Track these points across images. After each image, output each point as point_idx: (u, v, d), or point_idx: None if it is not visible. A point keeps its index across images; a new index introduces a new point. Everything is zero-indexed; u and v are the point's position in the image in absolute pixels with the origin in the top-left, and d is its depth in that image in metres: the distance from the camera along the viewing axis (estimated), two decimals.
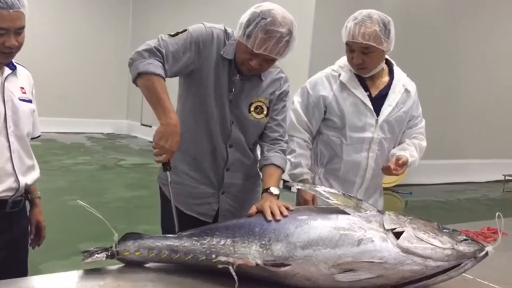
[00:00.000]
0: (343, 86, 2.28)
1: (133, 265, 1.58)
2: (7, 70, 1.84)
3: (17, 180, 1.83)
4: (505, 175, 8.64)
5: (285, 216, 1.56)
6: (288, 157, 2.17)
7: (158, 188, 2.12)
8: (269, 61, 1.86)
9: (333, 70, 2.33)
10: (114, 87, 12.92)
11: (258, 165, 2.05)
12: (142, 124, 12.74)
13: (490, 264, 1.61)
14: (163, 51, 1.79)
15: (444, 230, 1.51)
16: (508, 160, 9.17)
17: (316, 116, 2.31)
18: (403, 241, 1.43)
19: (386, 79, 2.32)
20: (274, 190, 1.81)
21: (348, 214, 1.53)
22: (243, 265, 1.45)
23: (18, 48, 1.75)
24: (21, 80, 1.90)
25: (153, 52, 1.78)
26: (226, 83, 1.92)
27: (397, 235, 1.45)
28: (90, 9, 12.54)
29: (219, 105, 1.93)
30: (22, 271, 1.87)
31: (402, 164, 2.21)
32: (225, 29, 1.94)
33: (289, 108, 2.22)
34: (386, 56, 2.29)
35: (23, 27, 1.73)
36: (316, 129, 2.35)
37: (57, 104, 12.02)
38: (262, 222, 1.56)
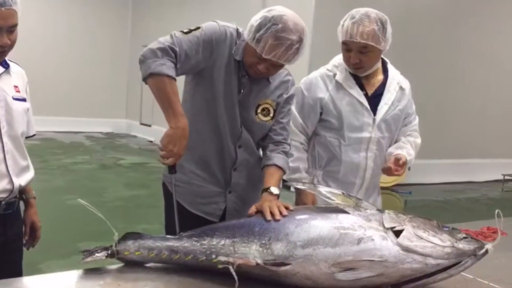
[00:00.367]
0: (339, 86, 2.25)
1: (133, 264, 1.57)
2: (0, 69, 1.79)
3: (11, 182, 1.78)
4: (504, 175, 8.66)
5: (284, 216, 1.56)
6: None
7: (162, 186, 2.10)
8: (277, 67, 1.85)
9: (327, 69, 2.30)
10: (114, 86, 12.92)
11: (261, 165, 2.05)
12: (141, 124, 12.74)
13: (490, 264, 1.61)
14: (177, 49, 1.75)
15: (444, 228, 1.51)
16: (507, 160, 9.19)
17: (311, 118, 2.28)
18: (403, 239, 1.43)
19: (380, 77, 2.30)
20: (274, 190, 1.80)
21: (348, 213, 1.53)
22: (243, 264, 1.45)
23: (11, 46, 1.71)
24: (14, 79, 1.85)
25: (166, 52, 1.73)
26: (236, 83, 1.90)
27: (397, 233, 1.45)
28: (90, 7, 12.53)
29: (228, 106, 1.90)
30: (16, 274, 1.79)
31: (403, 164, 2.20)
32: (237, 29, 1.91)
33: None
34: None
35: (15, 25, 1.68)
36: (312, 131, 2.32)
37: (56, 103, 12.02)
38: (262, 221, 1.56)
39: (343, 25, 2.12)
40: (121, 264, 1.58)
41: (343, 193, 1.63)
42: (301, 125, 2.28)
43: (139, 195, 6.51)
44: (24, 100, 1.87)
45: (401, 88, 2.32)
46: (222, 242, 1.52)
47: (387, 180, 6.83)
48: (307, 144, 2.34)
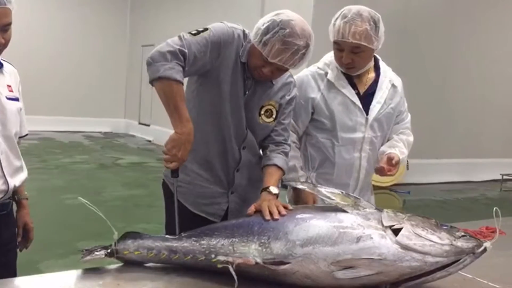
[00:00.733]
0: (330, 85, 2.21)
1: (132, 264, 1.57)
2: None
3: (6, 182, 1.76)
4: (502, 175, 8.66)
5: (283, 216, 1.56)
6: None
7: (161, 186, 2.08)
8: (281, 71, 1.86)
9: (318, 68, 2.26)
10: (112, 86, 12.93)
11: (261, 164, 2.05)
12: (140, 123, 12.74)
13: (489, 263, 1.61)
14: (186, 52, 1.73)
15: (443, 227, 1.51)
16: (505, 160, 9.21)
17: (302, 117, 2.24)
18: (401, 237, 1.43)
19: (372, 75, 2.26)
20: (273, 189, 1.80)
21: (347, 212, 1.53)
22: (243, 264, 1.45)
23: (5, 45, 1.69)
24: (7, 78, 1.82)
25: (176, 55, 1.71)
26: (242, 85, 1.90)
27: (396, 232, 1.45)
28: (89, 7, 12.53)
29: (234, 108, 1.90)
30: (11, 275, 1.76)
31: (396, 164, 2.17)
32: (244, 30, 1.90)
33: None
34: None
35: (9, 24, 1.66)
36: (303, 131, 2.29)
37: (55, 103, 12.02)
38: (261, 221, 1.56)
39: (334, 24, 2.07)
40: (121, 264, 1.58)
41: (342, 193, 1.63)
42: (291, 124, 2.23)
43: (138, 195, 6.52)
44: (17, 99, 1.85)
45: (393, 85, 2.28)
46: (221, 241, 1.52)
47: (385, 180, 6.83)
48: (299, 142, 2.31)
